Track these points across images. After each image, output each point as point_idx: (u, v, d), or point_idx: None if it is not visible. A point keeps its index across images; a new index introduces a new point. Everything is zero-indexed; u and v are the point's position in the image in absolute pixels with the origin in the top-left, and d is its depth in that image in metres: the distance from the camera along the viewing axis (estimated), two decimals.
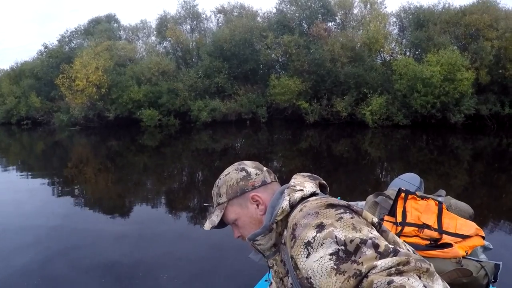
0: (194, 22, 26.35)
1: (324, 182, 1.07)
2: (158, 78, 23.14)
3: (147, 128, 21.63)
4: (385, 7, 22.26)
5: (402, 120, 18.92)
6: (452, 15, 20.88)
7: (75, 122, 24.31)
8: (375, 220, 0.88)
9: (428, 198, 1.83)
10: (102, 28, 28.19)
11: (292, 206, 0.95)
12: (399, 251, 0.73)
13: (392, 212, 1.80)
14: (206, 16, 26.17)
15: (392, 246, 0.75)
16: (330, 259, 0.75)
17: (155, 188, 8.36)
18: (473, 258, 1.65)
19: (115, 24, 31.06)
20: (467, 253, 1.65)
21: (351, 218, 0.82)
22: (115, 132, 21.26)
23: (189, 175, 9.92)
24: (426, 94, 18.39)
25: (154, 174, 9.86)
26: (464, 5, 21.31)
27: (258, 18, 23.39)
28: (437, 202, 1.80)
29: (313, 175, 1.08)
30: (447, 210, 1.81)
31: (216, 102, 22.03)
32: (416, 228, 1.73)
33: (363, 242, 0.74)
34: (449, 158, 11.27)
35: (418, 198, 1.83)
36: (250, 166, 1.11)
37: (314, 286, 0.77)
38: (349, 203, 0.90)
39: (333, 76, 20.10)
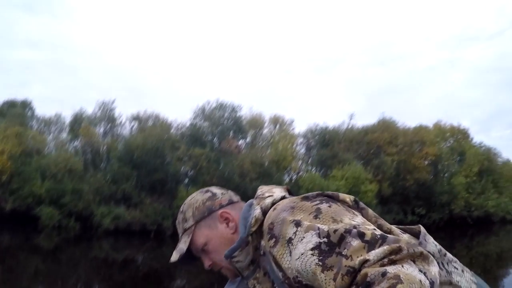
0: (109, 125, 25.99)
1: (289, 188, 1.01)
2: (64, 176, 22.05)
3: (44, 228, 20.01)
4: (293, 128, 24.15)
5: None
6: (356, 134, 23.22)
7: None
8: (352, 198, 0.84)
9: None
10: (15, 112, 26.47)
11: (265, 213, 0.88)
12: (387, 237, 0.67)
13: None
14: (121, 121, 26.10)
15: (379, 233, 0.69)
16: (312, 254, 0.70)
17: None
18: None
19: (29, 112, 29.47)
20: None
21: (329, 207, 0.78)
22: (9, 226, 19.44)
23: (85, 287, 9.22)
24: None
25: (46, 281, 9.12)
26: (366, 125, 24.00)
27: (172, 130, 23.79)
28: None
29: (276, 185, 1.04)
30: None
31: (120, 210, 21.33)
32: None
33: (348, 231, 0.69)
34: None
35: None
36: (214, 188, 1.06)
37: (305, 283, 0.74)
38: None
39: (242, 191, 20.07)
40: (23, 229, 19.15)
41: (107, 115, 25.79)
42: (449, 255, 0.86)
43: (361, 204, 0.85)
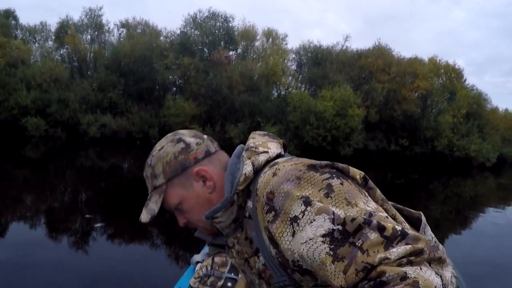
0: (96, 32, 25.03)
1: (285, 142, 0.90)
2: (50, 86, 21.52)
3: (31, 138, 19.87)
4: (286, 43, 23.45)
5: (293, 150, 19.32)
6: (349, 57, 22.76)
7: None
8: (362, 175, 0.74)
9: None
10: None
11: (256, 171, 0.78)
12: (407, 234, 0.61)
13: None
14: (109, 28, 25.09)
15: (399, 228, 0.62)
16: (323, 241, 0.62)
17: (34, 206, 7.45)
18: None
19: (13, 21, 28.18)
20: None
21: (341, 184, 0.68)
22: None
23: (72, 194, 9.13)
24: (318, 127, 19.16)
25: (34, 190, 9.02)
26: (361, 49, 23.44)
27: (161, 38, 22.96)
28: None
29: (270, 133, 0.91)
30: None
31: (107, 118, 21.07)
32: None
33: (367, 222, 0.61)
34: None
35: None
36: (187, 135, 0.87)
37: (305, 267, 0.68)
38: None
39: (229, 103, 20.15)
40: (10, 140, 18.91)
41: (94, 22, 24.71)
42: (441, 246, 0.78)
43: (370, 183, 0.76)
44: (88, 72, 24.17)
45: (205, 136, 0.89)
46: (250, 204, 0.78)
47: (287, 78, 21.92)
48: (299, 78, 22.64)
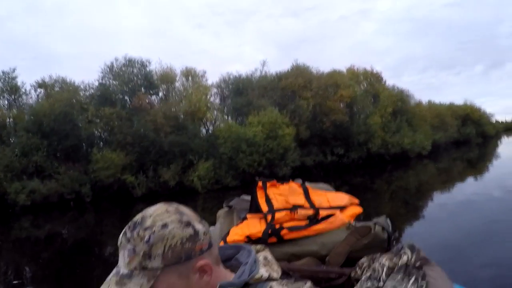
0: (12, 96, 23.98)
1: None
2: None
3: None
4: (206, 80, 23.82)
5: (231, 181, 19.43)
6: (269, 81, 23.54)
7: None
8: None
9: (287, 182, 1.74)
10: None
11: (268, 279, 0.81)
12: None
13: (254, 208, 1.61)
14: (26, 90, 24.19)
15: None
16: None
17: None
18: (360, 222, 1.55)
19: None
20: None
21: None
22: None
23: (14, 271, 8.59)
24: (251, 153, 19.43)
25: None
26: (280, 72, 24.33)
27: (80, 92, 22.50)
28: (299, 184, 1.72)
29: None
30: None
31: (35, 183, 19.99)
32: (288, 212, 1.54)
33: None
34: None
35: (278, 184, 1.71)
36: (194, 219, 0.79)
37: None
38: None
39: (158, 147, 20.00)
40: None
41: (9, 86, 23.75)
42: None
43: None
44: (10, 139, 23.03)
45: (208, 227, 0.84)
46: None
47: (212, 112, 22.23)
48: (225, 110, 23.03)
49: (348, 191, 1.81)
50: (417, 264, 1.12)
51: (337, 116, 23.97)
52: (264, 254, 0.89)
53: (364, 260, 1.27)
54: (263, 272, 0.82)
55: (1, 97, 23.98)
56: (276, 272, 0.85)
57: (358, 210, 1.70)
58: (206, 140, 20.66)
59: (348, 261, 1.42)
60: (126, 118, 20.31)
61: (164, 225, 0.76)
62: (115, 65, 22.18)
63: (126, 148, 20.01)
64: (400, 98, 30.15)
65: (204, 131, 21.86)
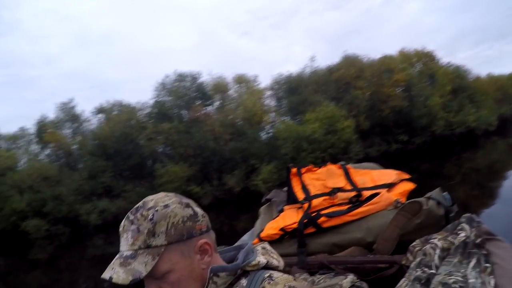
0: (75, 124, 25.32)
1: None
2: (40, 185, 21.51)
3: (35, 241, 19.70)
4: (258, 84, 23.70)
5: None
6: (321, 75, 22.79)
7: None
8: None
9: (325, 165, 1.62)
10: None
11: (266, 267, 0.84)
12: None
13: (291, 198, 1.53)
14: (87, 117, 25.46)
15: None
16: None
17: None
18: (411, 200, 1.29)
19: None
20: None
21: None
22: (0, 249, 19.11)
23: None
24: (313, 150, 18.92)
25: None
26: (330, 65, 23.56)
27: (138, 112, 23.28)
28: (340, 165, 1.59)
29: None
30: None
31: (104, 203, 20.91)
32: (327, 197, 1.42)
33: None
34: None
35: (314, 168, 1.62)
36: (192, 203, 0.85)
37: None
38: None
39: (219, 155, 20.04)
40: (14, 247, 18.95)
41: (70, 115, 25.06)
42: None
43: None
44: (77, 164, 24.26)
45: (205, 213, 0.88)
46: (243, 283, 0.79)
47: (269, 114, 21.97)
48: (281, 111, 22.69)
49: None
50: (478, 241, 0.94)
51: (395, 102, 22.79)
52: (263, 245, 0.91)
53: (416, 243, 1.11)
54: (260, 259, 0.83)
55: (65, 127, 25.51)
56: (277, 260, 0.87)
57: (409, 186, 1.50)
58: (266, 143, 20.46)
59: (400, 246, 1.23)
60: (184, 131, 20.62)
61: (166, 205, 0.80)
62: (167, 82, 22.73)
63: (188, 160, 20.31)
64: (458, 74, 28.22)
65: (263, 134, 21.61)
